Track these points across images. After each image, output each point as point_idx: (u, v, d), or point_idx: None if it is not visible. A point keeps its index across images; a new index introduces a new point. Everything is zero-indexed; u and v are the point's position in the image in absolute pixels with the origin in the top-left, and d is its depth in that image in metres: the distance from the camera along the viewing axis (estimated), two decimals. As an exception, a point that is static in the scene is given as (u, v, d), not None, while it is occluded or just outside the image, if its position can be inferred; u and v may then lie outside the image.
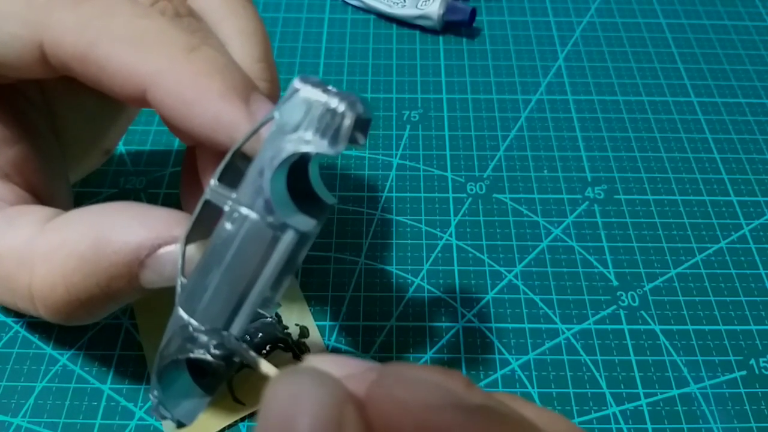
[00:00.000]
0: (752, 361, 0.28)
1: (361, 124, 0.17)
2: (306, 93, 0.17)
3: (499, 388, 0.27)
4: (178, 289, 0.19)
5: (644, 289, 0.30)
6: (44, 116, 0.26)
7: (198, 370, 0.19)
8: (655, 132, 0.37)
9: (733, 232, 0.33)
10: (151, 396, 0.19)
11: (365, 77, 0.40)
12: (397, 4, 0.43)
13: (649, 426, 0.26)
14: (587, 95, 0.39)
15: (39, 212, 0.22)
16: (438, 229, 0.33)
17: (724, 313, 0.30)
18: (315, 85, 0.17)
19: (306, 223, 0.17)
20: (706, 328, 0.29)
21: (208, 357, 0.18)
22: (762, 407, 0.27)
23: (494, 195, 0.34)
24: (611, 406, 0.27)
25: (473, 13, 0.42)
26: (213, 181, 0.18)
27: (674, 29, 0.44)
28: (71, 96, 0.26)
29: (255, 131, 0.18)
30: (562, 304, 0.30)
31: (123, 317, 0.29)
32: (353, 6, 0.45)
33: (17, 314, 0.29)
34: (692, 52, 0.42)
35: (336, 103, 0.17)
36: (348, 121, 0.16)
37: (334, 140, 0.17)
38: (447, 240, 0.32)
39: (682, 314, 0.30)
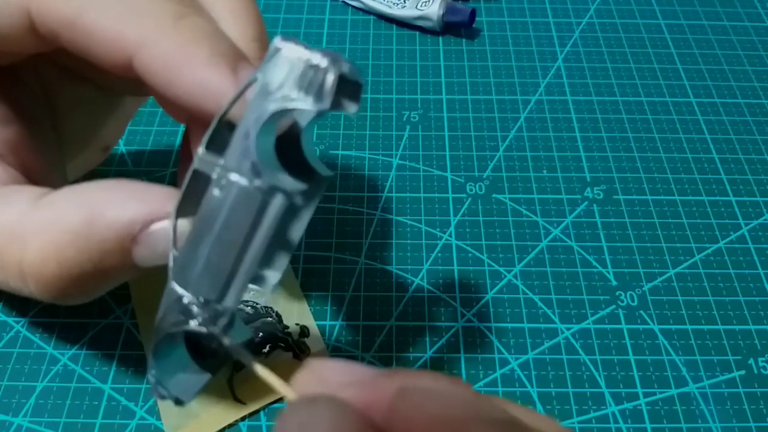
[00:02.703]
0: (751, 361, 0.28)
1: (350, 88, 0.16)
2: (288, 51, 0.17)
3: (499, 388, 0.27)
4: (170, 262, 0.18)
5: (643, 288, 0.31)
6: (40, 103, 0.26)
7: (197, 350, 0.19)
8: (654, 132, 0.38)
9: (731, 233, 0.33)
10: (149, 376, 0.19)
11: (365, 78, 0.40)
12: (397, 5, 0.43)
13: (647, 425, 0.26)
14: (586, 96, 0.40)
15: (32, 191, 0.22)
16: (438, 229, 0.33)
17: (723, 313, 0.30)
18: (297, 43, 0.17)
19: (294, 184, 0.17)
20: (705, 327, 0.29)
21: (203, 328, 0.17)
22: (761, 407, 0.27)
23: (494, 195, 0.34)
24: (610, 405, 0.27)
25: (473, 14, 0.42)
26: (200, 149, 0.18)
27: (673, 30, 0.44)
28: (67, 84, 0.26)
29: (239, 95, 0.18)
30: (561, 303, 0.30)
31: (124, 317, 0.29)
32: (353, 7, 0.45)
33: (19, 314, 0.29)
34: (691, 53, 0.43)
35: (319, 59, 0.16)
36: (331, 77, 0.16)
37: (318, 97, 0.16)
38: (447, 240, 0.32)
39: (681, 314, 0.30)
